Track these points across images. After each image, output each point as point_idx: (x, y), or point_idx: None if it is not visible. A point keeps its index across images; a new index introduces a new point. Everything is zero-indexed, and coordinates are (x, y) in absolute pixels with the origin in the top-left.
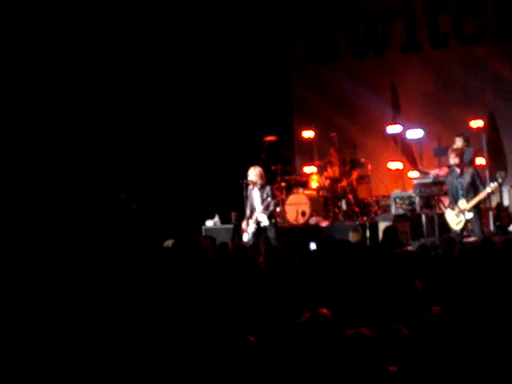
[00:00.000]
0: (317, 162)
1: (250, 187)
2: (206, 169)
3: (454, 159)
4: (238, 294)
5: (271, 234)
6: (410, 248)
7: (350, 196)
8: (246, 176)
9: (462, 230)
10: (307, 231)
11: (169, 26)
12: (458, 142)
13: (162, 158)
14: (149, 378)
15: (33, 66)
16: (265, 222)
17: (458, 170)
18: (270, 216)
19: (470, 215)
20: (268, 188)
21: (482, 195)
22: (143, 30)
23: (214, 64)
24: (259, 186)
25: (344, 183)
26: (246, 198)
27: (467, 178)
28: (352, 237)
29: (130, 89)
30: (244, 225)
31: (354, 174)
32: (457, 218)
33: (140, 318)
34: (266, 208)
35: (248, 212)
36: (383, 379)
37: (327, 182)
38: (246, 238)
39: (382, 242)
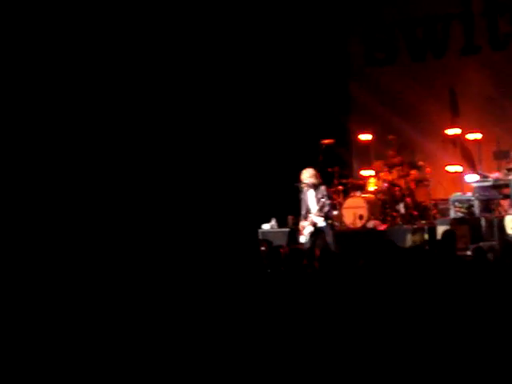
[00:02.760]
0: (376, 164)
1: (305, 189)
2: (262, 172)
3: None
4: (294, 298)
5: (329, 236)
6: (468, 252)
7: (408, 199)
8: (300, 179)
9: None
10: (365, 235)
11: (229, 27)
12: None
13: (219, 161)
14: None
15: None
16: (320, 223)
17: None
18: (326, 217)
19: None
20: (323, 188)
21: None
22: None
23: (273, 66)
24: (314, 187)
25: (402, 186)
26: (301, 200)
27: None
28: (411, 239)
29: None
30: (300, 227)
31: (413, 177)
32: None
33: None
34: (321, 209)
35: (302, 217)
36: None
37: (385, 185)
38: (303, 239)
39: (440, 245)
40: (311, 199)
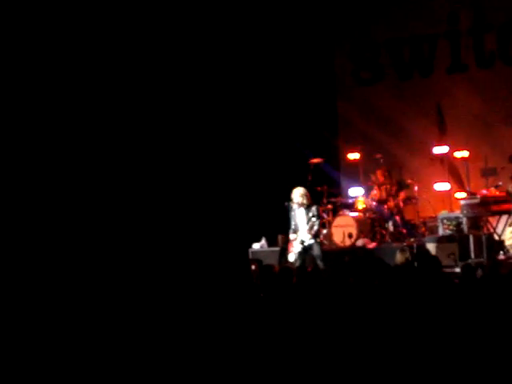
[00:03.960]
0: (365, 184)
1: (295, 207)
2: (251, 191)
3: None
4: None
5: (317, 252)
6: (457, 269)
7: (397, 217)
8: (290, 197)
9: None
10: (354, 253)
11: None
12: None
13: (209, 181)
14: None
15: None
16: (308, 241)
17: None
18: (315, 236)
19: None
20: (314, 208)
21: None
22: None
23: (260, 86)
24: (305, 206)
25: (391, 204)
26: (290, 218)
27: None
28: (399, 257)
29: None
30: (290, 245)
31: (401, 195)
32: None
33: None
34: (311, 228)
35: (291, 232)
36: None
37: (374, 204)
38: (291, 258)
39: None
40: (301, 218)
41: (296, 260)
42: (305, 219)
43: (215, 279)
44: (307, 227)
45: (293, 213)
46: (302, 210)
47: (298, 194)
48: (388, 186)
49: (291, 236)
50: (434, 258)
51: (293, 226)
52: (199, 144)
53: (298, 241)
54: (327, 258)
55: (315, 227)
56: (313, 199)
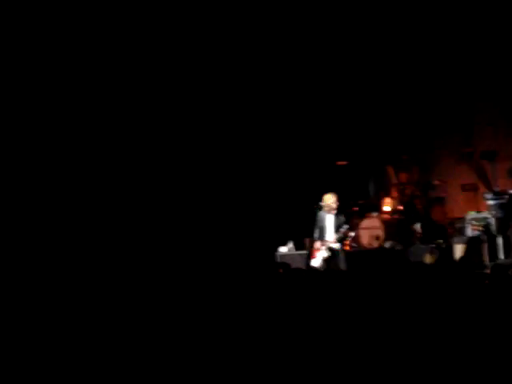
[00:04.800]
0: (392, 185)
1: (323, 213)
2: (278, 194)
3: None
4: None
5: (342, 257)
6: (486, 270)
7: (425, 219)
8: (319, 201)
9: None
10: (382, 254)
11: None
12: None
13: (236, 183)
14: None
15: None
16: (335, 247)
17: None
18: (341, 241)
19: None
20: (342, 217)
21: None
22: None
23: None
24: (334, 213)
25: (418, 206)
26: (317, 222)
27: None
28: (428, 259)
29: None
30: (314, 250)
31: (428, 196)
32: None
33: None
34: (340, 237)
35: (317, 236)
36: None
37: (401, 205)
38: (316, 263)
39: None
40: (329, 224)
41: (321, 265)
42: (333, 226)
43: (242, 282)
44: (335, 234)
45: (320, 218)
46: (332, 217)
47: (332, 200)
48: (413, 187)
49: (316, 242)
50: (464, 258)
51: (318, 233)
52: (226, 145)
53: (325, 248)
54: (355, 260)
55: (342, 235)
56: (340, 201)
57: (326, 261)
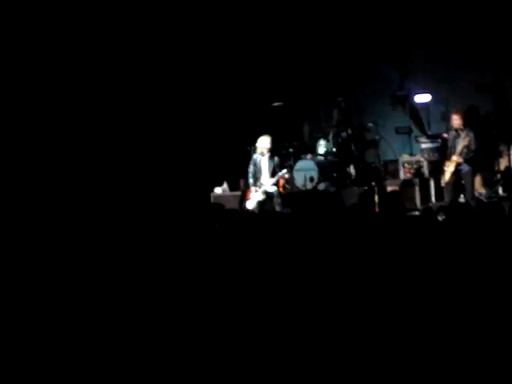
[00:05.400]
0: (325, 127)
1: (258, 155)
2: (213, 136)
3: None
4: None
5: (277, 199)
6: (417, 213)
7: (359, 161)
8: (253, 143)
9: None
10: (315, 196)
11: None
12: None
13: (169, 125)
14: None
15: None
16: (270, 189)
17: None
18: (276, 184)
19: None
20: (277, 159)
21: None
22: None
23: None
24: (269, 155)
25: (352, 148)
26: (252, 164)
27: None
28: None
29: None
30: (248, 192)
31: (362, 139)
32: None
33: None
34: (277, 180)
35: (252, 179)
36: None
37: (335, 147)
38: (250, 205)
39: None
40: (265, 167)
41: (255, 207)
42: (268, 168)
43: (177, 223)
44: (271, 177)
45: (254, 160)
46: (266, 159)
47: (267, 141)
48: (349, 130)
49: (251, 184)
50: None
51: (253, 174)
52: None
53: (261, 190)
54: (289, 202)
55: (277, 177)
56: (274, 142)
57: (260, 203)
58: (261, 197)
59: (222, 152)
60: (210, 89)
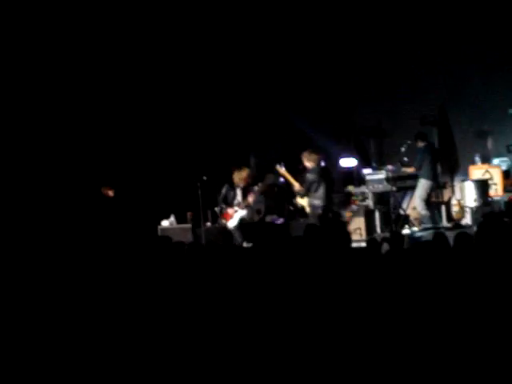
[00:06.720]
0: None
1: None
2: (161, 169)
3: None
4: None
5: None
6: (363, 244)
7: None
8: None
9: None
10: (263, 228)
11: None
12: None
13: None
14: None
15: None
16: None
17: None
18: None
19: None
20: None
21: None
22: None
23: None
24: (242, 187)
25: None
26: (221, 194)
27: None
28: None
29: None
30: (227, 215)
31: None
32: None
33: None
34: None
35: (222, 206)
36: None
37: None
38: (232, 224)
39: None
40: (239, 197)
41: (236, 226)
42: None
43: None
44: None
45: (227, 191)
46: (239, 191)
47: (245, 175)
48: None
49: (229, 208)
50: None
51: (222, 202)
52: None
53: (238, 216)
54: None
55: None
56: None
57: (242, 219)
58: (243, 213)
59: (169, 185)
60: (159, 122)
